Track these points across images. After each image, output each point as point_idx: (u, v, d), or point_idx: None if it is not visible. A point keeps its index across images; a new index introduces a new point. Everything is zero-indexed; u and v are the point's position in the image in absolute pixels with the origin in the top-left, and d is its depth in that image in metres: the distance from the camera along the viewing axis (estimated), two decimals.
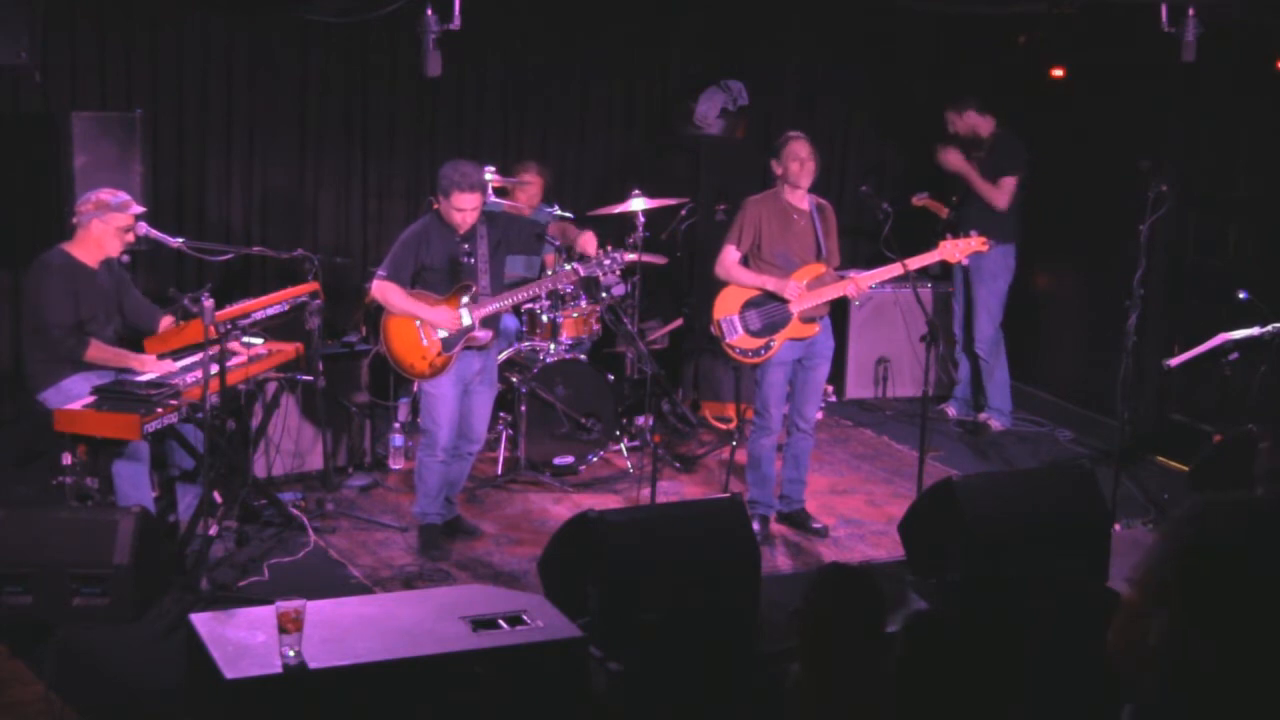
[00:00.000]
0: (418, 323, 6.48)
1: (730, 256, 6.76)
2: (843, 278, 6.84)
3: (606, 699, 5.02)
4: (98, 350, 6.33)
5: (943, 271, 8.87)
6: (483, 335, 6.52)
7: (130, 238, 6.44)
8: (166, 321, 6.60)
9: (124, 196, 6.46)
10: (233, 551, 6.46)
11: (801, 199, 6.74)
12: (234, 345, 6.44)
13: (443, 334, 6.48)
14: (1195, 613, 3.44)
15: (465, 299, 6.48)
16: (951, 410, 8.75)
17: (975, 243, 7.08)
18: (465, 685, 4.66)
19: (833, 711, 3.66)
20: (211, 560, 6.20)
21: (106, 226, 6.36)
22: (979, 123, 8.45)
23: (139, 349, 6.55)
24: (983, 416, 8.62)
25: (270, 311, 6.76)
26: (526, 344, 7.64)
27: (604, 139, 9.19)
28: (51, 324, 6.26)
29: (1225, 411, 7.52)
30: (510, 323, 7.72)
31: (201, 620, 4.76)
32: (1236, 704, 3.46)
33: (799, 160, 6.65)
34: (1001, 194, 8.31)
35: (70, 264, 6.34)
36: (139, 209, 6.50)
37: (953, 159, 8.45)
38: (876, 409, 9.01)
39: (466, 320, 6.47)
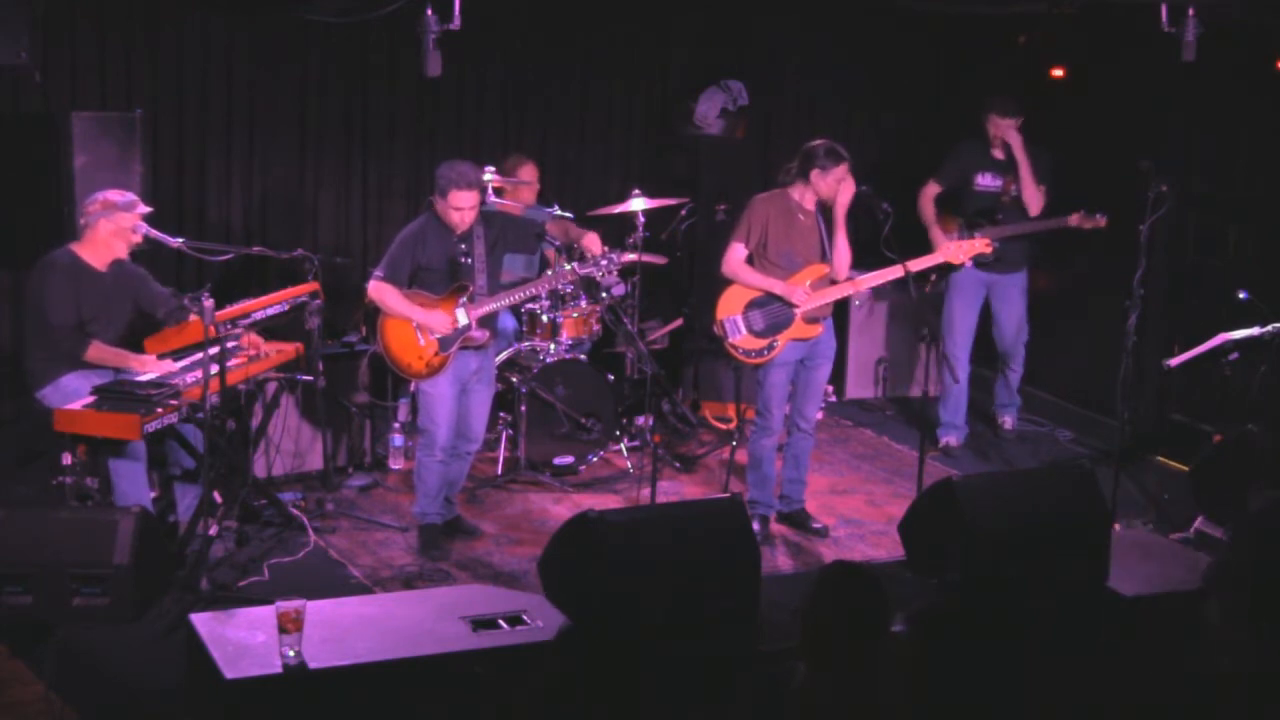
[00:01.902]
0: (414, 323, 6.48)
1: (737, 255, 6.75)
2: (846, 278, 6.83)
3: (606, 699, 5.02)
4: (98, 350, 6.33)
5: (942, 274, 8.84)
6: (479, 335, 6.52)
7: (136, 238, 6.44)
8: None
9: (131, 197, 6.46)
10: (233, 551, 6.46)
11: (809, 199, 6.73)
12: (253, 338, 6.49)
13: (439, 334, 6.48)
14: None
15: (462, 299, 6.48)
16: (953, 440, 8.21)
17: (979, 244, 7.06)
18: (465, 685, 4.66)
19: (835, 711, 3.66)
20: (211, 560, 6.20)
21: (113, 227, 6.35)
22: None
23: (140, 349, 6.56)
24: (1002, 418, 8.47)
25: (270, 311, 6.76)
26: (526, 344, 7.64)
27: (604, 139, 9.18)
28: (52, 324, 6.26)
29: (1225, 411, 7.52)
30: (509, 323, 7.73)
31: (201, 620, 4.77)
32: None
33: (840, 181, 6.63)
34: (1041, 198, 7.90)
35: (76, 264, 6.34)
36: (145, 209, 6.49)
37: (1016, 140, 7.88)
38: (876, 409, 9.01)
39: (463, 320, 6.47)
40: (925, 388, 6.77)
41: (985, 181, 8.05)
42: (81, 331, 6.31)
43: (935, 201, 8.14)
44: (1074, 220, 7.85)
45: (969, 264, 7.32)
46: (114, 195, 6.41)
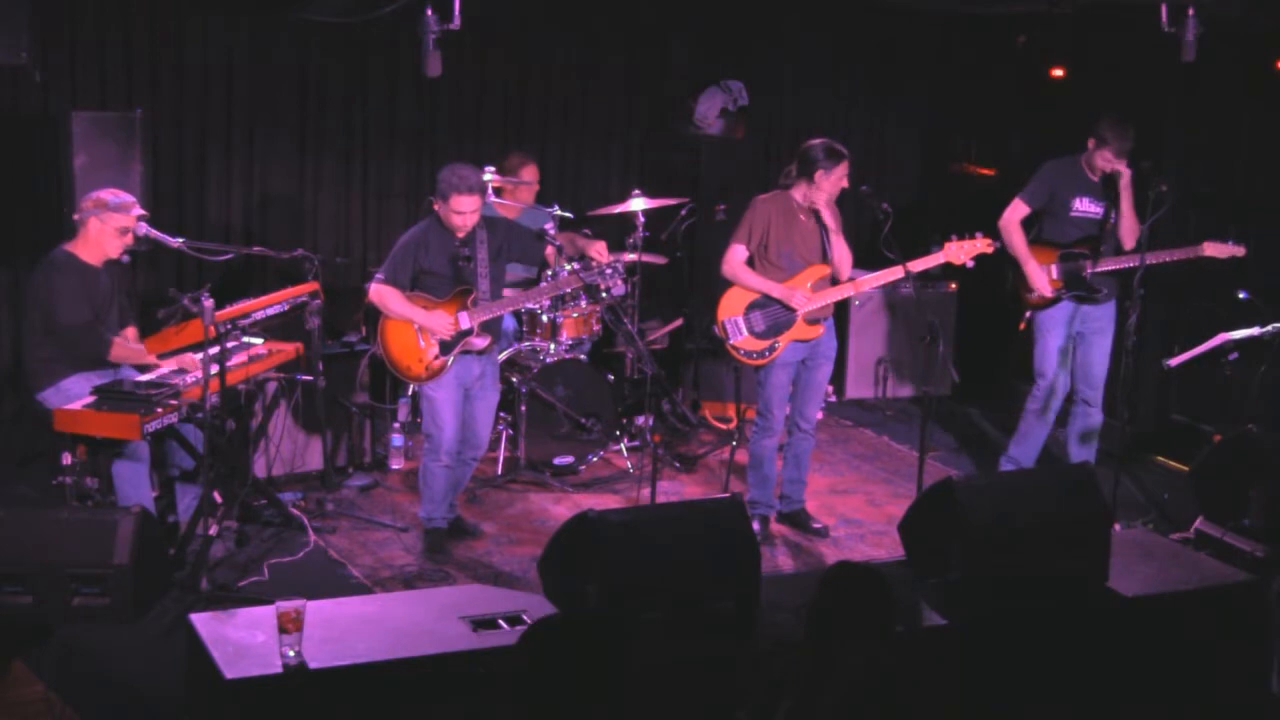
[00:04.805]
0: (416, 326, 6.47)
1: (738, 256, 6.74)
2: (847, 279, 6.83)
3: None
4: (121, 349, 6.31)
5: (943, 273, 8.84)
6: (479, 341, 6.50)
7: (129, 239, 6.41)
8: (131, 332, 6.59)
9: (126, 197, 6.43)
10: (233, 551, 6.46)
11: (809, 200, 6.72)
12: (189, 358, 6.47)
13: (440, 337, 6.47)
14: None
15: (465, 303, 6.47)
16: None
17: (981, 244, 7.03)
18: (465, 685, 4.66)
19: (836, 710, 3.66)
20: (211, 560, 6.20)
21: (104, 227, 6.33)
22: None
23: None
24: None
25: (270, 311, 6.76)
26: (526, 344, 7.64)
27: (604, 139, 9.18)
28: (66, 324, 6.23)
29: (1225, 411, 7.52)
30: (509, 323, 7.72)
31: (201, 620, 4.76)
32: None
33: (843, 181, 6.62)
34: (1138, 230, 7.08)
35: (74, 263, 6.32)
36: (140, 211, 6.47)
37: (1129, 174, 7.05)
38: (876, 409, 9.01)
39: (465, 324, 6.46)
40: (924, 389, 6.75)
41: (1084, 206, 7.20)
42: (95, 331, 6.29)
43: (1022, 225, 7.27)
44: (1209, 249, 6.97)
45: (970, 264, 7.18)
46: (107, 195, 6.37)
